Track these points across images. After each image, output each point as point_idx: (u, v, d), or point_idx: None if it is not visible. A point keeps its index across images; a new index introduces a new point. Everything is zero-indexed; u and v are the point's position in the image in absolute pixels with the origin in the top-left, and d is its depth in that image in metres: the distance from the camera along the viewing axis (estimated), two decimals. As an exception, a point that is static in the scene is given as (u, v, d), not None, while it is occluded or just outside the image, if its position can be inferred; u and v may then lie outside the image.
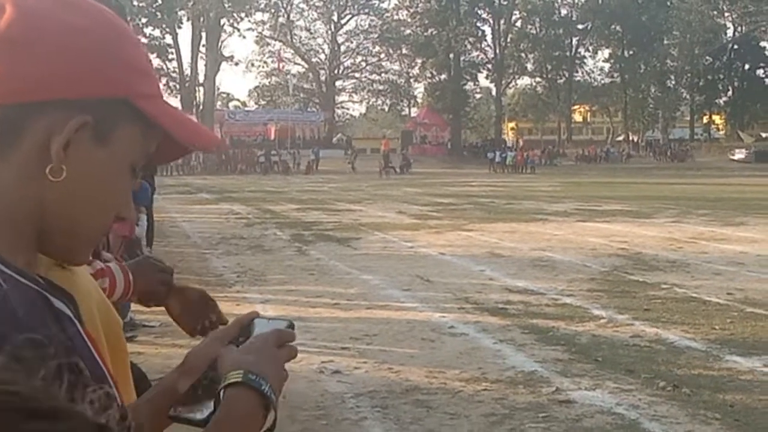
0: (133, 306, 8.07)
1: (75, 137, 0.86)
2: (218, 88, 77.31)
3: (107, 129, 0.89)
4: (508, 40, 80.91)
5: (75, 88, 0.86)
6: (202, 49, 68.60)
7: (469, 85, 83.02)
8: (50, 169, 0.85)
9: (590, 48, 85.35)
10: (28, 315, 0.80)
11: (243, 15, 72.14)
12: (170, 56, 74.61)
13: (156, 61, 72.78)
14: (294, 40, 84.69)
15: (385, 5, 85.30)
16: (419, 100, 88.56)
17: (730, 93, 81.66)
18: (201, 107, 67.13)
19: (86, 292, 1.09)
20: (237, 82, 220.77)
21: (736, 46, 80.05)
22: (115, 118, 0.89)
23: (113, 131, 0.89)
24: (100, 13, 0.92)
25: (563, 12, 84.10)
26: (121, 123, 0.90)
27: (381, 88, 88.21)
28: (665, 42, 78.72)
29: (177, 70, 73.88)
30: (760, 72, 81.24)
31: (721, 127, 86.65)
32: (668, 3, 76.01)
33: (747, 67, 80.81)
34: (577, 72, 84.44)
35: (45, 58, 0.85)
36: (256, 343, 1.08)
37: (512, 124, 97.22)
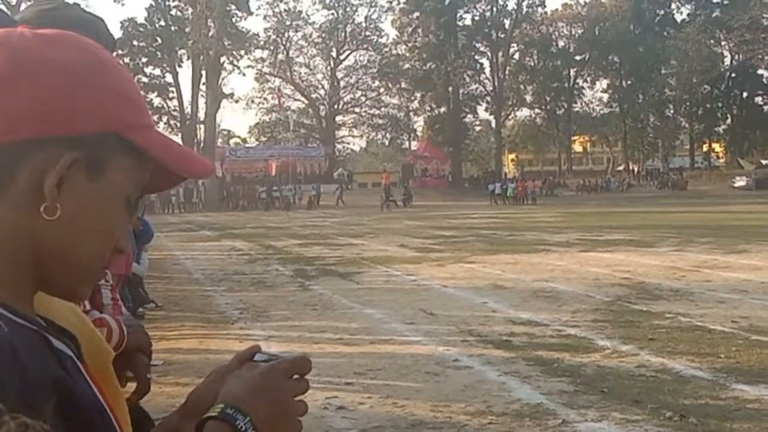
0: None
1: (67, 174, 0.85)
2: (219, 126, 77.73)
3: (100, 163, 0.88)
4: (507, 72, 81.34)
5: (64, 125, 0.86)
6: (203, 87, 68.92)
7: (469, 118, 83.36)
8: (44, 207, 0.85)
9: (588, 79, 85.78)
10: (30, 358, 0.80)
11: (242, 53, 72.62)
12: (171, 94, 75.22)
13: (156, 100, 73.42)
14: (293, 77, 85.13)
15: (383, 40, 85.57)
16: (419, 134, 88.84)
17: (729, 121, 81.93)
18: (202, 145, 67.28)
19: (66, 322, 1.07)
20: (237, 119, 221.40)
21: (733, 75, 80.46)
22: (107, 151, 0.89)
23: (106, 165, 0.89)
24: (85, 49, 0.92)
25: (560, 44, 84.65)
26: (113, 156, 0.89)
27: (381, 122, 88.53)
28: (663, 71, 79.10)
29: (178, 108, 74.37)
30: (758, 99, 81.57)
31: (721, 154, 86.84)
32: (665, 33, 76.63)
33: (745, 94, 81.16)
34: (575, 103, 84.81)
35: (31, 96, 0.85)
36: (246, 374, 1.01)
37: (512, 156, 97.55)
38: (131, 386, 1.82)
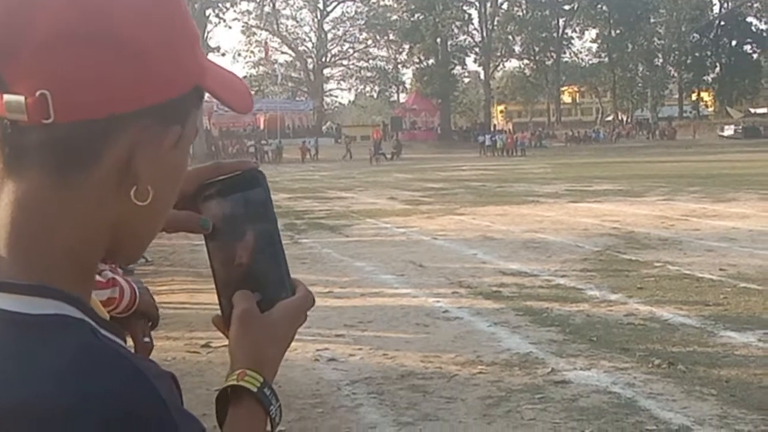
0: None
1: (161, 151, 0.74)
2: (206, 80, 77.08)
3: (184, 129, 0.76)
4: (495, 22, 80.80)
5: (157, 92, 0.72)
6: (188, 41, 68.21)
7: (457, 70, 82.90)
8: (135, 191, 0.73)
9: (577, 29, 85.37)
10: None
11: (228, 5, 71.80)
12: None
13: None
14: (280, 29, 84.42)
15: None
16: (408, 86, 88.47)
17: (717, 70, 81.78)
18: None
19: None
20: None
21: (722, 23, 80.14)
22: (190, 111, 0.77)
23: (186, 127, 0.77)
24: None
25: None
26: (192, 113, 0.78)
27: (369, 74, 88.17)
28: (652, 20, 78.73)
29: (163, 62, 73.56)
30: (747, 48, 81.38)
31: (709, 104, 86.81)
32: (654, -19, 76.06)
33: (734, 43, 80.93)
34: (564, 53, 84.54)
35: (117, 59, 0.70)
36: (284, 324, 0.92)
37: (501, 107, 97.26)
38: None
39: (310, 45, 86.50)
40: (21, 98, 0.68)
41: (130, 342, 1.85)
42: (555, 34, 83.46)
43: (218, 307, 0.94)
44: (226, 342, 0.93)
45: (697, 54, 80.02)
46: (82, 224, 0.73)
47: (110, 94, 0.70)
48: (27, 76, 0.68)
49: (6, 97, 0.68)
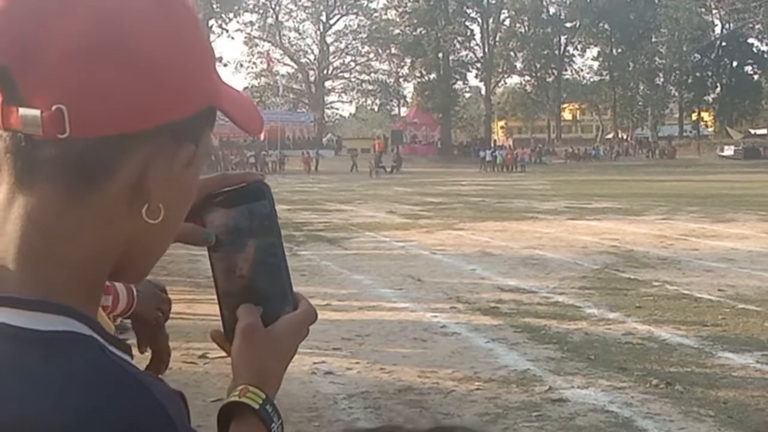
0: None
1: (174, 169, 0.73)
2: (207, 90, 77.19)
3: (197, 148, 0.76)
4: (497, 39, 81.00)
5: (177, 107, 0.72)
6: (191, 51, 68.40)
7: (459, 85, 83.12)
8: (147, 209, 0.72)
9: (579, 46, 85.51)
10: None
11: (231, 16, 72.17)
12: (159, 58, 74.47)
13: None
14: (283, 41, 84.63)
15: (373, 5, 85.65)
16: (409, 100, 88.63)
17: (718, 90, 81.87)
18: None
19: None
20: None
21: (724, 43, 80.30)
22: (204, 130, 0.77)
23: (200, 147, 0.76)
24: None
25: (551, 10, 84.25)
26: (205, 132, 0.77)
27: (370, 88, 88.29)
28: (653, 39, 78.92)
29: (166, 71, 73.69)
30: (748, 68, 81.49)
31: (709, 123, 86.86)
32: (656, 0, 76.21)
33: (735, 63, 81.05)
34: (566, 70, 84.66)
35: (138, 72, 0.69)
36: (287, 339, 0.91)
37: (502, 123, 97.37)
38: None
39: (312, 57, 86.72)
40: (37, 112, 0.67)
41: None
42: (556, 52, 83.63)
43: (216, 317, 0.94)
44: (223, 353, 0.93)
45: (697, 74, 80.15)
46: (92, 240, 0.72)
47: (127, 111, 0.69)
48: (44, 90, 0.68)
49: (22, 110, 0.68)
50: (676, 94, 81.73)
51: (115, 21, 0.69)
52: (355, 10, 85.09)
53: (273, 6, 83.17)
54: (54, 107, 0.67)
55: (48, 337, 0.68)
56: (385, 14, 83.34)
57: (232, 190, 0.92)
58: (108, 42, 0.68)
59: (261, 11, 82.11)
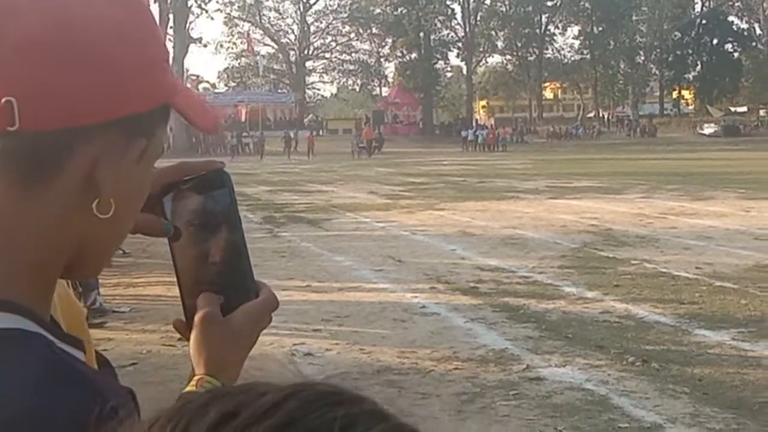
0: (103, 291, 8.02)
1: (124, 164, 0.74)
2: (187, 71, 76.64)
3: (149, 143, 0.76)
4: (478, 18, 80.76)
5: (127, 104, 0.72)
6: (170, 31, 67.84)
7: (440, 64, 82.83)
8: (97, 204, 0.73)
9: (560, 25, 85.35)
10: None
11: (211, -5, 71.47)
12: (138, 39, 73.75)
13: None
14: (263, 21, 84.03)
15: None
16: (390, 80, 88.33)
17: (698, 68, 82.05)
18: (170, 90, 66.29)
19: None
20: (206, 64, 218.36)
21: (704, 21, 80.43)
22: (156, 126, 0.77)
23: (153, 141, 0.77)
24: None
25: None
26: (159, 129, 0.78)
27: (351, 68, 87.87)
28: (634, 18, 78.87)
29: (145, 52, 73.03)
30: (728, 47, 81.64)
31: (690, 102, 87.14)
32: (636, -22, 76.20)
33: (715, 41, 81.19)
34: (547, 49, 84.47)
35: (83, 71, 0.69)
36: (246, 329, 0.90)
37: (483, 102, 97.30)
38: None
39: (292, 37, 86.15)
40: None
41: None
42: (538, 30, 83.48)
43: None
44: None
45: (678, 52, 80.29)
46: (43, 236, 0.72)
47: (78, 105, 0.70)
48: None
49: None
50: (657, 72, 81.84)
51: (67, 18, 0.69)
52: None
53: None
54: (3, 100, 0.67)
55: None
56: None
57: (192, 179, 0.92)
58: (60, 38, 0.69)
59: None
